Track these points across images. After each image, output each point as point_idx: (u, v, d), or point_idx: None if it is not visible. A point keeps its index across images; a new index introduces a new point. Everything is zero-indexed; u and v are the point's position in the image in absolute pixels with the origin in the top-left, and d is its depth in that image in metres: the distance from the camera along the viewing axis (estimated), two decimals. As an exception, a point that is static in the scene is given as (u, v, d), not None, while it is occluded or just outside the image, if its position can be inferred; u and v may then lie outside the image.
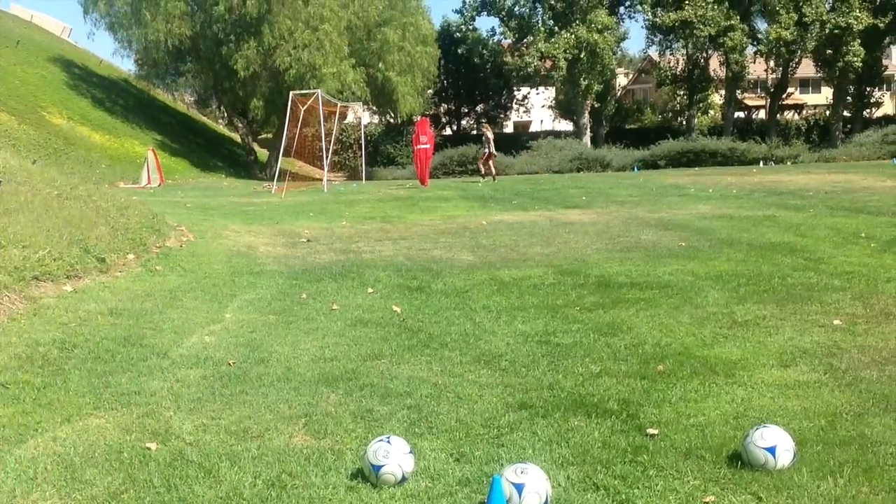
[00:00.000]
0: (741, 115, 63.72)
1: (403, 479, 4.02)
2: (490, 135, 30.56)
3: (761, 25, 54.26)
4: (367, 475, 4.04)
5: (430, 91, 55.29)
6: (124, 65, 51.72)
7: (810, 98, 71.32)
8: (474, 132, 62.86)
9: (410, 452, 4.11)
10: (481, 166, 31.33)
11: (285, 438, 4.60)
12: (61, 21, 55.90)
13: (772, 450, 4.03)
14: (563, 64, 48.82)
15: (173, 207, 17.02)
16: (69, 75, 41.36)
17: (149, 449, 4.43)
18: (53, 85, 38.76)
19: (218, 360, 6.14)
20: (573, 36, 48.62)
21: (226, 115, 54.49)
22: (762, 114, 64.70)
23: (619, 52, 61.36)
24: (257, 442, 4.55)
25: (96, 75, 45.65)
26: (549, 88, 60.91)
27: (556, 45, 48.60)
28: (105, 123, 37.73)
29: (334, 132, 33.09)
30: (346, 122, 46.52)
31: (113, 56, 54.56)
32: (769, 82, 58.39)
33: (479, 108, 65.11)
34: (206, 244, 11.95)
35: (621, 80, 73.64)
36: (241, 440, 4.58)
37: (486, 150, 30.28)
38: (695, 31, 50.46)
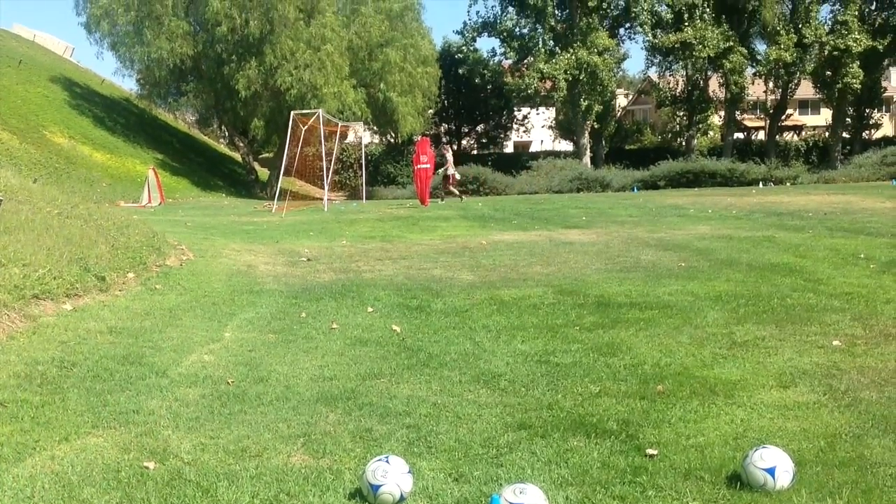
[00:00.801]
0: (740, 136, 63.89)
1: (402, 498, 4.02)
2: (450, 156, 30.14)
3: (760, 47, 54.56)
4: (366, 495, 4.03)
5: (431, 111, 55.45)
6: (126, 84, 51.70)
7: (809, 119, 71.55)
8: (475, 152, 63.03)
9: (409, 472, 4.10)
10: (452, 189, 30.71)
11: (284, 458, 4.59)
12: (63, 40, 55.99)
13: (771, 471, 4.03)
14: (563, 85, 48.99)
15: (173, 226, 17.04)
16: (71, 94, 41.50)
17: (147, 468, 4.42)
18: (55, 104, 38.89)
19: (217, 379, 6.14)
20: (573, 57, 48.80)
21: (227, 134, 54.64)
22: (761, 135, 64.92)
23: (619, 74, 61.55)
24: (255, 461, 4.54)
25: (98, 94, 45.80)
26: (550, 109, 61.08)
27: (557, 66, 48.78)
28: (106, 142, 37.83)
29: (335, 152, 33.15)
30: (346, 141, 46.64)
31: (114, 75, 54.92)
32: (768, 103, 58.57)
33: (479, 128, 65.29)
34: (206, 263, 11.95)
35: (621, 101, 73.87)
36: (239, 459, 4.57)
37: (448, 172, 29.92)
38: (694, 53, 50.67)
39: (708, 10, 50.50)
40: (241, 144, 46.36)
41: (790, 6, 52.60)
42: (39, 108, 36.78)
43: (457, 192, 30.34)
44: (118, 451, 4.66)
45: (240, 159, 49.54)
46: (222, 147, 59.49)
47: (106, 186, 31.18)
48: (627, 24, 54.25)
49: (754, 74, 54.46)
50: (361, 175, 40.94)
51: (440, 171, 29.94)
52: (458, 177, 31.06)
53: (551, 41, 51.23)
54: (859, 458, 4.41)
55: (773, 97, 58.16)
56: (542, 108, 61.25)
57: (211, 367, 6.47)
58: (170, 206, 27.83)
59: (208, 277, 10.83)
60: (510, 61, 54.83)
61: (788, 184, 39.86)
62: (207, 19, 38.50)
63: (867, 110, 56.82)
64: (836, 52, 49.65)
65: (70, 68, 49.58)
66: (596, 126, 54.89)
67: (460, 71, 53.79)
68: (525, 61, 53.10)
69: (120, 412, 5.34)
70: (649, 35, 52.23)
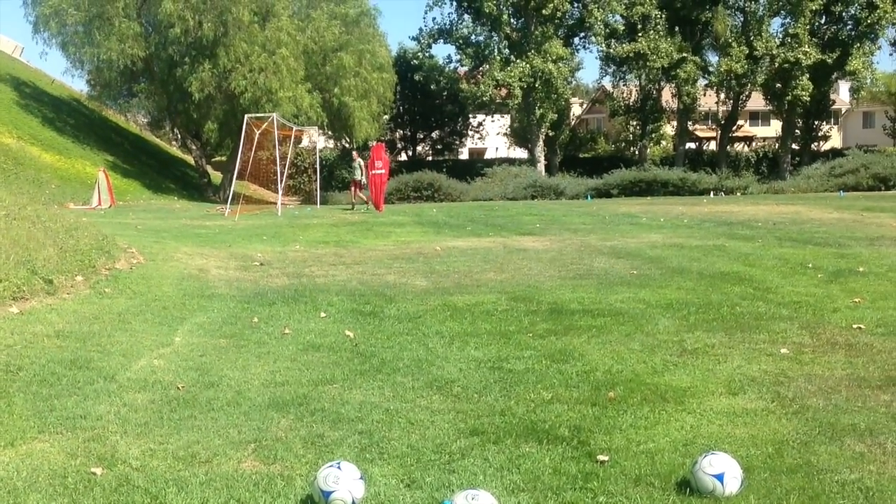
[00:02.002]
0: (692, 146, 64.65)
1: (353, 504, 4.00)
2: (361, 162, 29.41)
3: (713, 58, 55.23)
4: (317, 501, 4.01)
5: (387, 117, 55.40)
6: (76, 84, 51.09)
7: (760, 130, 72.62)
8: (430, 158, 63.07)
9: (361, 478, 4.09)
10: (361, 195, 29.66)
11: (234, 464, 4.55)
12: (13, 40, 55.08)
13: (720, 477, 4.07)
14: (518, 92, 49.22)
15: (124, 229, 16.82)
16: (19, 94, 40.81)
17: (94, 474, 4.36)
18: (3, 104, 38.21)
19: (167, 384, 6.07)
20: (528, 65, 49.07)
21: (179, 136, 54.04)
22: (713, 145, 65.69)
23: (574, 82, 61.94)
24: (205, 467, 4.50)
25: (47, 95, 45.10)
26: (505, 116, 61.32)
27: (512, 74, 49.00)
28: (55, 143, 37.25)
29: (289, 156, 32.97)
30: (301, 146, 46.41)
31: (63, 75, 54.13)
32: (720, 114, 59.29)
33: (434, 134, 65.37)
34: (156, 267, 11.82)
35: (575, 110, 74.35)
36: (188, 465, 4.52)
37: (361, 179, 29.12)
38: (648, 63, 51.20)
39: (661, 21, 51.05)
40: (194, 147, 45.88)
41: (742, 19, 53.35)
42: (-13, 108, 36.15)
43: (364, 199, 29.34)
44: (65, 457, 4.59)
45: (192, 162, 49.01)
46: (175, 150, 58.84)
47: (55, 188, 30.70)
48: (582, 34, 54.66)
49: (706, 86, 55.13)
50: (316, 180, 40.76)
51: (360, 179, 29.22)
52: (363, 183, 30.22)
53: (506, 49, 51.48)
54: (806, 465, 4.48)
55: (724, 108, 58.90)
56: (497, 116, 61.47)
57: (161, 372, 6.40)
58: (120, 209, 27.48)
59: (159, 281, 10.71)
60: (466, 68, 54.98)
61: (739, 194, 40.38)
62: (160, 21, 38.07)
63: (816, 122, 57.75)
64: (786, 65, 50.43)
65: (19, 67, 48.77)
66: (550, 134, 55.21)
67: (416, 77, 53.84)
68: (480, 68, 53.31)
69: (67, 417, 5.26)
70: (603, 45, 52.69)
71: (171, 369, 6.50)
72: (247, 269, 12.29)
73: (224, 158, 48.19)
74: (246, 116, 28.57)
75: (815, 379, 6.12)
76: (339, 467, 4.06)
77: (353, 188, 29.73)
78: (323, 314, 8.82)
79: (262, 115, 29.88)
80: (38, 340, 7.15)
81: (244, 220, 22.95)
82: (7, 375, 6.10)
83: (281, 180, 29.26)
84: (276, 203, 29.63)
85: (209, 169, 48.04)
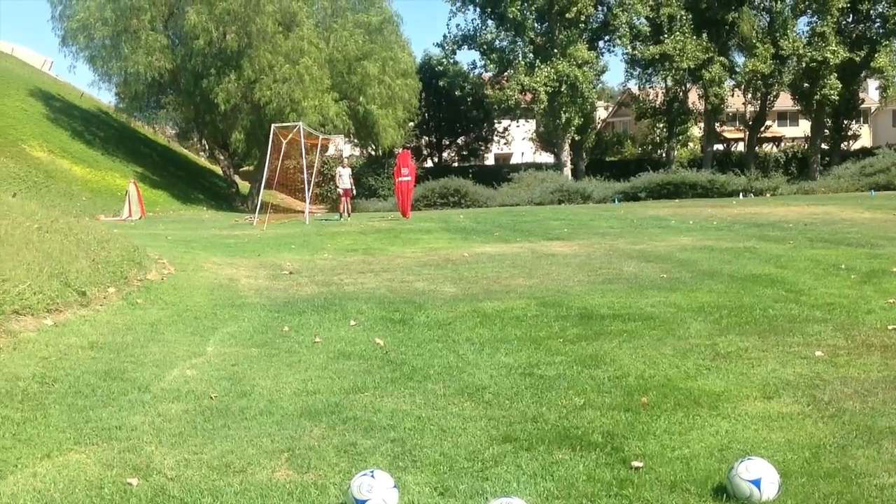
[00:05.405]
0: (720, 147, 64.21)
1: (388, 513, 4.00)
2: (348, 171, 29.32)
3: (739, 59, 54.91)
4: (351, 510, 4.01)
5: (412, 123, 55.50)
6: (103, 96, 51.52)
7: (788, 131, 72.03)
8: (455, 164, 63.07)
9: (394, 486, 4.09)
10: (348, 204, 29.54)
11: (268, 473, 4.57)
12: (42, 54, 55.80)
13: (757, 482, 4.03)
14: (543, 97, 49.11)
15: (154, 240, 16.95)
16: (49, 108, 41.28)
17: (130, 484, 4.38)
18: (34, 118, 38.66)
19: (200, 394, 6.10)
20: (553, 70, 48.97)
21: (207, 147, 54.44)
22: (741, 146, 65.26)
23: (599, 86, 61.72)
24: (240, 477, 4.51)
25: (77, 108, 45.57)
26: (530, 121, 61.20)
27: (537, 79, 48.93)
28: (85, 156, 37.63)
29: (316, 164, 33.08)
30: (327, 154, 46.58)
31: (90, 87, 54.56)
32: (747, 115, 58.92)
33: (460, 140, 65.37)
34: (187, 277, 11.89)
35: (601, 113, 74.11)
36: (223, 475, 4.54)
37: (349, 188, 29.12)
38: (674, 65, 50.97)
39: (687, 22, 50.80)
40: (222, 157, 46.19)
41: (768, 19, 52.98)
42: (18, 122, 36.57)
43: (345, 208, 29.10)
44: (101, 468, 4.62)
45: (220, 172, 49.36)
46: (203, 160, 59.27)
47: (86, 200, 31.01)
48: (607, 37, 54.48)
49: (733, 86, 54.78)
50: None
51: (346, 185, 29.15)
52: (353, 192, 30.03)
53: (531, 54, 51.39)
54: (844, 469, 4.42)
55: (752, 109, 58.54)
56: (522, 121, 61.35)
57: (194, 382, 6.43)
58: (150, 220, 27.70)
59: (190, 291, 10.77)
60: (490, 74, 54.96)
61: (768, 195, 40.12)
62: (186, 33, 38.42)
63: (845, 121, 57.25)
64: (813, 64, 50.04)
65: (48, 81, 49.32)
66: (576, 138, 55.02)
67: (441, 83, 53.85)
68: (505, 74, 53.25)
69: (102, 428, 5.30)
70: (628, 47, 52.53)
71: (203, 379, 6.53)
72: (276, 278, 12.34)
73: (251, 168, 48.45)
74: (272, 126, 28.71)
75: (850, 381, 6.05)
76: (372, 476, 4.06)
77: (343, 198, 29.23)
78: (353, 322, 8.84)
79: (288, 124, 30.00)
80: (72, 352, 7.21)
81: (272, 229, 23.06)
82: (43, 387, 6.16)
83: (308, 189, 29.35)
84: (303, 212, 29.73)
85: (237, 179, 48.36)
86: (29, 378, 6.32)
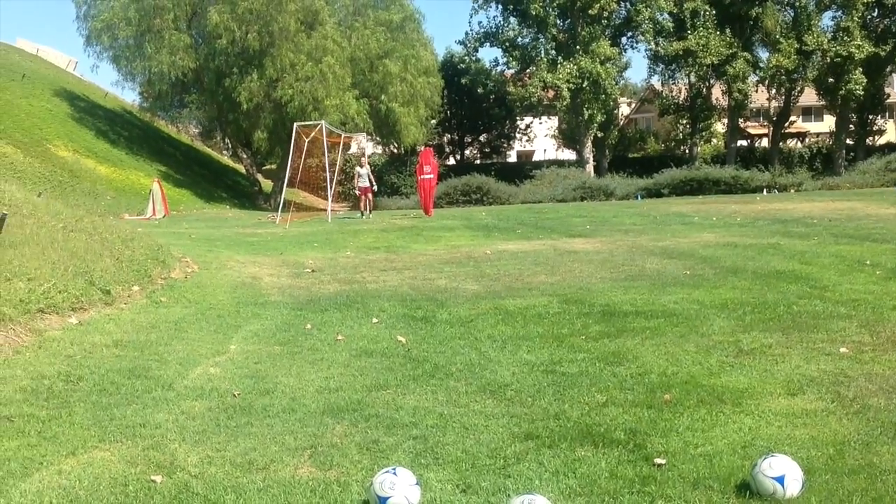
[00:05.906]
0: (744, 143, 63.90)
1: (410, 510, 4.00)
2: (368, 169, 28.84)
3: (763, 55, 54.58)
4: (374, 507, 4.02)
5: (434, 121, 55.56)
6: (127, 96, 51.88)
7: (813, 126, 71.52)
8: (478, 161, 63.05)
9: (417, 484, 4.09)
10: (371, 200, 29.17)
11: (291, 470, 4.58)
12: (67, 54, 56.20)
13: (780, 479, 4.01)
14: (565, 94, 49.02)
15: (178, 238, 17.05)
16: (74, 108, 41.61)
17: (154, 482, 4.41)
18: (59, 118, 38.98)
19: (223, 392, 6.13)
20: (576, 66, 48.88)
21: (230, 146, 54.77)
22: (765, 142, 64.90)
23: (622, 82, 61.53)
24: (262, 474, 4.53)
25: (101, 108, 45.91)
26: (552, 118, 61.15)
27: (559, 76, 48.85)
28: (110, 155, 37.91)
29: (338, 163, 33.15)
30: (349, 152, 46.70)
31: (114, 86, 54.88)
32: (771, 111, 58.59)
33: (482, 137, 65.36)
34: (210, 275, 11.95)
35: (624, 110, 73.92)
36: (246, 472, 4.56)
37: (369, 185, 28.57)
38: (697, 60, 50.73)
39: (710, 17, 50.54)
40: (245, 156, 46.42)
41: (792, 14, 52.63)
42: (43, 122, 36.88)
43: (365, 206, 28.71)
44: (125, 465, 4.66)
45: (243, 171, 49.61)
46: (225, 159, 59.59)
47: (110, 199, 31.25)
48: (629, 33, 54.32)
49: (757, 82, 54.45)
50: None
51: (364, 183, 28.64)
52: (375, 189, 29.83)
53: (553, 50, 51.31)
54: (869, 466, 4.39)
55: (776, 104, 58.19)
56: (544, 117, 61.32)
57: (217, 380, 6.46)
58: (174, 219, 27.85)
59: (213, 290, 10.83)
60: (512, 71, 54.93)
61: (792, 191, 39.85)
62: (208, 32, 38.61)
63: (870, 117, 56.83)
64: (837, 59, 49.68)
65: (73, 81, 49.71)
66: (599, 134, 54.92)
67: (463, 81, 53.87)
68: (527, 71, 53.23)
69: (126, 426, 5.33)
70: (651, 43, 52.36)
71: (227, 377, 6.56)
72: (299, 276, 12.37)
73: (274, 166, 48.66)
74: (295, 125, 28.81)
75: (875, 378, 6.00)
76: (394, 473, 4.06)
77: (363, 196, 28.91)
78: (375, 320, 8.85)
79: (310, 122, 30.09)
80: (97, 350, 7.26)
81: (295, 228, 23.13)
82: (68, 385, 6.21)
83: (330, 187, 29.42)
84: (326, 210, 29.81)
85: (260, 177, 48.58)
86: (54, 376, 6.38)
